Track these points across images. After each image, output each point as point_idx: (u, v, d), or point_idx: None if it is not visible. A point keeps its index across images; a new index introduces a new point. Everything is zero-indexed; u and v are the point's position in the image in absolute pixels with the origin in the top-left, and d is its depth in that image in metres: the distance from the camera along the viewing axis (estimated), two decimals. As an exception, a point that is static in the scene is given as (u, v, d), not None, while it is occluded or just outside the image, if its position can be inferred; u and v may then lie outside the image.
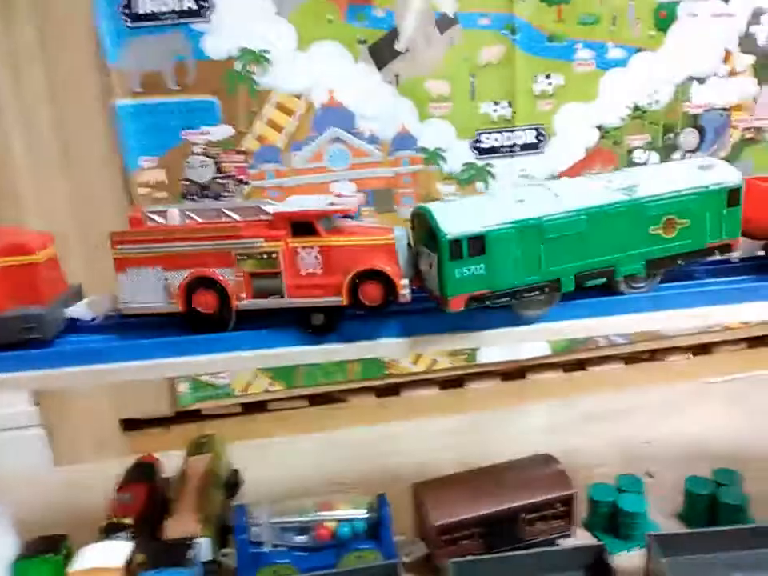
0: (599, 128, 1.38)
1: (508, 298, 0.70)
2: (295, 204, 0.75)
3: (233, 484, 1.18)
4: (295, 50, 1.23)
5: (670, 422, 1.37)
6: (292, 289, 0.72)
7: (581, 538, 1.02)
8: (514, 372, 1.63)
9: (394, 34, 1.26)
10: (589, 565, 0.87)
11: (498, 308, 0.72)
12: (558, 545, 0.98)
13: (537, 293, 0.71)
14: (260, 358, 0.75)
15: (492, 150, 1.35)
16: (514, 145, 1.36)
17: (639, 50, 1.34)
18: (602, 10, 1.31)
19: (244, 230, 0.72)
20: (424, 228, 0.71)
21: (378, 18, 1.25)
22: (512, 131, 1.35)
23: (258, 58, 1.22)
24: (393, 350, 0.76)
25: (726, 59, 1.38)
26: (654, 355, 1.68)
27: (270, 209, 0.73)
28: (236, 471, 1.20)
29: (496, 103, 1.33)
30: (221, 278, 0.72)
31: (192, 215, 0.75)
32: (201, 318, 0.74)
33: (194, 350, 0.75)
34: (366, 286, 0.70)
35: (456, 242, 0.66)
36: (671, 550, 0.83)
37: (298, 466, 1.33)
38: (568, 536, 0.98)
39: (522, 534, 0.94)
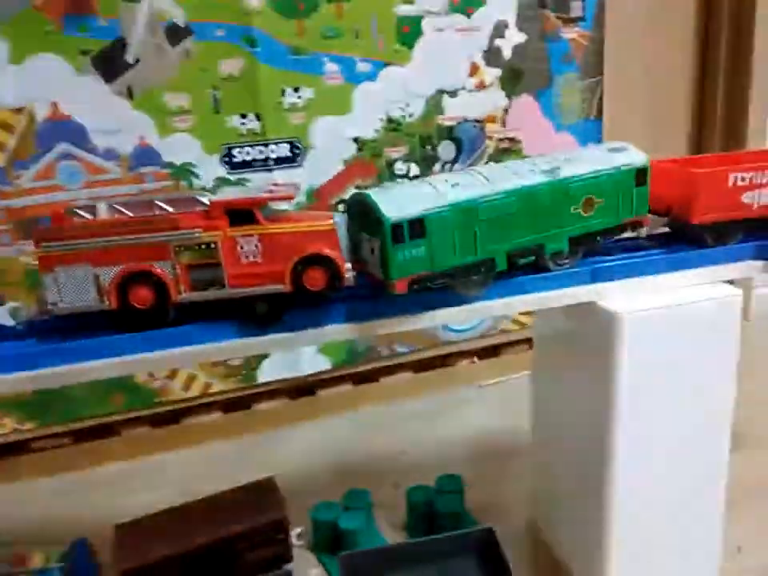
0: (356, 140, 1.39)
1: (448, 279, 0.73)
2: (231, 195, 0.75)
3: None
4: (7, 64, 1.14)
5: (432, 428, 1.40)
6: (233, 279, 0.71)
7: (308, 561, 1.00)
8: (303, 388, 1.60)
9: (121, 44, 1.20)
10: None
11: (438, 288, 0.74)
12: (283, 570, 0.96)
13: (474, 272, 0.74)
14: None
15: (245, 164, 1.32)
16: (268, 158, 1.33)
17: (387, 64, 1.36)
18: (343, 24, 1.31)
19: (180, 220, 0.70)
20: (363, 213, 0.72)
21: (101, 28, 1.18)
22: (264, 145, 1.32)
23: (-36, 72, 1.12)
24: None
25: (473, 73, 1.44)
26: (444, 361, 1.72)
27: (205, 199, 0.71)
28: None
29: (243, 116, 1.30)
30: (158, 270, 0.69)
31: (122, 209, 0.72)
32: (136, 315, 0.70)
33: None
34: (309, 272, 0.70)
35: (398, 226, 0.68)
36: (358, 570, 0.81)
37: (43, 510, 1.23)
38: (287, 562, 0.95)
39: (233, 567, 0.90)
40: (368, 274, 0.75)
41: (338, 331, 0.75)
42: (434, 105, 1.43)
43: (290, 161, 1.35)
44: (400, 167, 1.44)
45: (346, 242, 0.74)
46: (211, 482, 1.21)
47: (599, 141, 1.56)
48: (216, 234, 0.70)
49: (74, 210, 0.72)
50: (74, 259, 0.69)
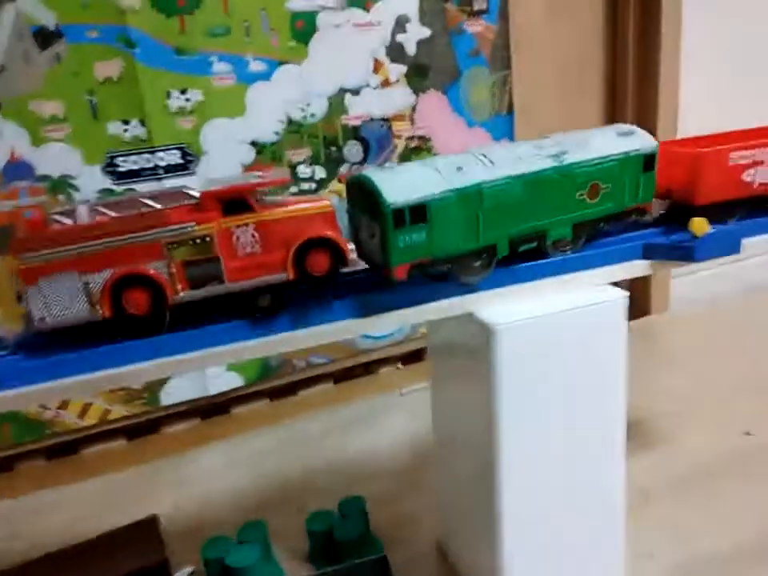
0: (253, 144, 1.32)
1: (449, 265, 0.71)
2: (216, 184, 0.68)
3: None
4: None
5: (349, 442, 1.33)
6: (232, 272, 0.66)
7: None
8: (215, 408, 1.52)
9: (-19, 49, 1.10)
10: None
11: (439, 276, 0.72)
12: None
13: (475, 258, 0.72)
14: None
15: (132, 174, 1.23)
16: (157, 167, 1.25)
17: (282, 63, 1.29)
18: (231, 21, 1.24)
19: (171, 215, 0.64)
20: (362, 197, 0.68)
21: (-43, 32, 1.08)
22: (152, 152, 1.24)
23: None
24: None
25: (376, 69, 1.38)
26: (367, 369, 1.66)
27: (193, 192, 0.67)
28: None
29: (125, 122, 1.21)
30: (151, 272, 0.63)
31: (104, 210, 0.67)
32: (132, 322, 0.65)
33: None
34: (313, 256, 0.67)
35: (399, 211, 0.66)
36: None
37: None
38: (172, 605, 0.88)
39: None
40: (367, 259, 0.72)
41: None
42: (337, 104, 1.36)
43: (182, 168, 1.27)
44: (304, 170, 1.37)
45: (345, 224, 0.71)
46: (109, 516, 1.13)
47: (511, 136, 1.52)
48: (210, 225, 0.65)
49: (53, 215, 0.66)
50: (59, 268, 0.63)
